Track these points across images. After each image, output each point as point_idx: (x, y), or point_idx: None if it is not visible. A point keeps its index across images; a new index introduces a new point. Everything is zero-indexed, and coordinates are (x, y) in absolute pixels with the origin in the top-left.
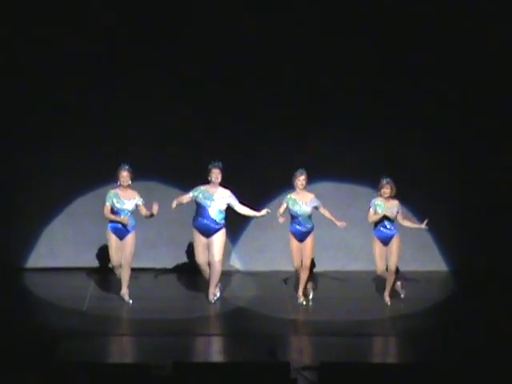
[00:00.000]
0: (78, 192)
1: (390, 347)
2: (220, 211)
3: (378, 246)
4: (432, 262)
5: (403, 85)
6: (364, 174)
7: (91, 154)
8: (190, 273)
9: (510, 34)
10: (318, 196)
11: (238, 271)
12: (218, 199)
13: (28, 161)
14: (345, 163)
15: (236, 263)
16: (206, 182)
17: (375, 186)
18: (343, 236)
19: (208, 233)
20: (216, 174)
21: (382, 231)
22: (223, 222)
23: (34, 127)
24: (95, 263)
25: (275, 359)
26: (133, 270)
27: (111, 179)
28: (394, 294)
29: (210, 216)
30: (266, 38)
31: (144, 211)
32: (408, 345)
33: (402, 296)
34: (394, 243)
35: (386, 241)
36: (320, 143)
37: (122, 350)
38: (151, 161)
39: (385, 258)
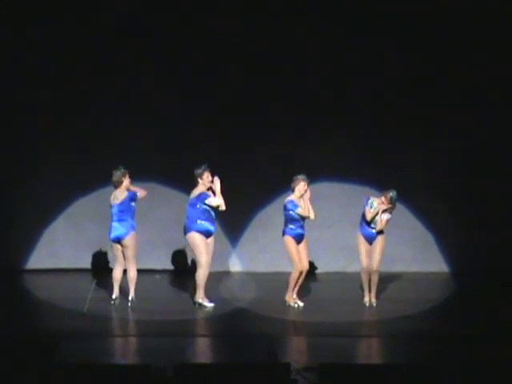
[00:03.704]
0: (79, 193)
1: (391, 348)
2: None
3: (363, 244)
4: (433, 263)
5: (403, 85)
6: (365, 173)
7: (91, 155)
8: (189, 274)
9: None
10: (319, 196)
11: (238, 272)
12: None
13: (28, 162)
14: (346, 163)
15: (236, 264)
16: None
17: (375, 186)
18: (344, 237)
19: (210, 234)
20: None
21: (367, 229)
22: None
23: (33, 128)
24: (96, 264)
25: (275, 360)
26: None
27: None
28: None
29: (212, 218)
30: (266, 36)
31: (140, 193)
32: (408, 346)
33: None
34: (379, 243)
35: (370, 240)
36: (321, 143)
37: (123, 352)
38: (151, 161)
39: (369, 256)
